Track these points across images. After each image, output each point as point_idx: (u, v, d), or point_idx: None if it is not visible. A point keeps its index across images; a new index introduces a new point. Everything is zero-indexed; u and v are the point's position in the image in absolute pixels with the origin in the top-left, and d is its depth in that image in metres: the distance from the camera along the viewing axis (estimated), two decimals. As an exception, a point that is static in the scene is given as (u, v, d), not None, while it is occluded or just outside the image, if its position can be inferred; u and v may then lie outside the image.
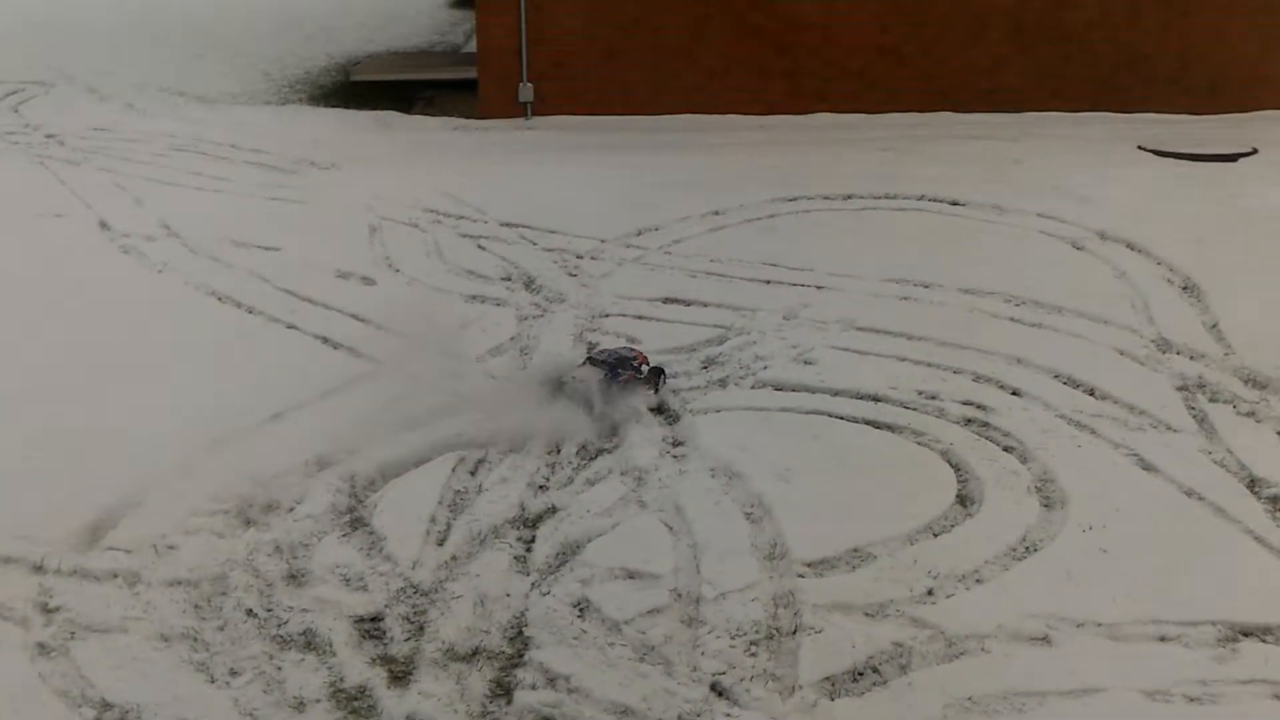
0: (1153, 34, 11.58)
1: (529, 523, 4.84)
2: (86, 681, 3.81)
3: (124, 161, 9.52)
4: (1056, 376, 5.88)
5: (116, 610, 4.14)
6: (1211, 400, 5.63)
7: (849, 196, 8.86)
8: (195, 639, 4.05)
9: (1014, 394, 5.72)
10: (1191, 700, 3.75)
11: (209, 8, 17.59)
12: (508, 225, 8.28)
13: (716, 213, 8.56)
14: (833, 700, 3.84)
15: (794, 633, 4.13)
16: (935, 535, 4.66)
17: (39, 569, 4.32)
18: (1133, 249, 7.60)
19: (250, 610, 4.21)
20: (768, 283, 7.21)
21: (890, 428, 5.47)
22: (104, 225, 7.93)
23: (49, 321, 6.42)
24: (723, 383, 5.96)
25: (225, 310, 6.71)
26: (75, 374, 5.78)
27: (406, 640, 4.12)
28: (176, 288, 6.99)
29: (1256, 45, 11.53)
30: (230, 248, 7.60)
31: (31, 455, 5.06)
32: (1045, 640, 4.04)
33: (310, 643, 4.08)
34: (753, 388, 5.92)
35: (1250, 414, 5.50)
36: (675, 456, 5.30)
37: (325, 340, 6.34)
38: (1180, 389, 5.74)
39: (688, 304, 6.94)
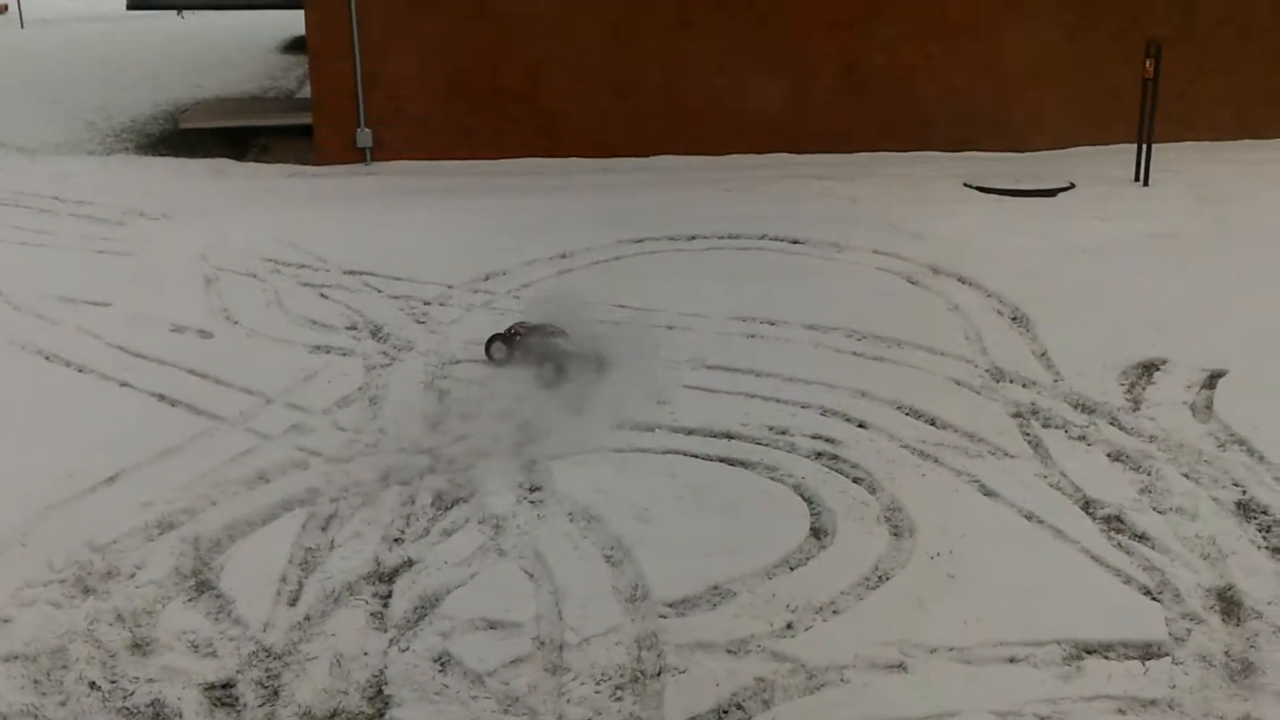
0: (972, 76, 12.14)
1: (385, 577, 4.74)
2: (-86, 774, 3.56)
3: (-62, 216, 9.05)
4: (899, 408, 6.08)
5: (-55, 693, 3.89)
6: (1044, 426, 5.90)
7: (693, 237, 9.01)
8: (36, 716, 3.83)
9: (860, 426, 5.89)
10: (1042, 719, 3.90)
11: (28, 56, 16.90)
12: (351, 273, 8.15)
13: (563, 255, 8.60)
14: (699, 740, 3.86)
15: (658, 674, 4.14)
16: (792, 569, 4.74)
17: None
18: (964, 282, 7.93)
19: (93, 683, 4.00)
20: (618, 324, 7.26)
21: (744, 464, 5.56)
22: (-83, 284, 7.51)
23: None
24: (579, 425, 5.96)
25: (54, 369, 6.42)
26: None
27: (261, 706, 3.98)
28: (1, 348, 6.65)
29: (1070, 85, 12.20)
30: (56, 304, 7.28)
31: None
32: (901, 667, 4.15)
33: (159, 714, 3.90)
34: (608, 429, 5.94)
35: (1081, 438, 5.78)
36: (533, 502, 5.28)
37: (162, 397, 6.12)
38: (1015, 416, 6.00)
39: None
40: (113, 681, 4.06)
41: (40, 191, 9.99)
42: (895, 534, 4.97)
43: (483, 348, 6.70)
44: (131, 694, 3.99)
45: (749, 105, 12.03)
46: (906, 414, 6.02)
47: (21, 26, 25.19)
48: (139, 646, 4.24)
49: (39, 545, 4.72)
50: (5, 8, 31.86)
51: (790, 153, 12.08)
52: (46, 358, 6.54)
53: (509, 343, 6.67)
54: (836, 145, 12.10)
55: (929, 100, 12.11)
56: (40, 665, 4.09)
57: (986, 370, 6.55)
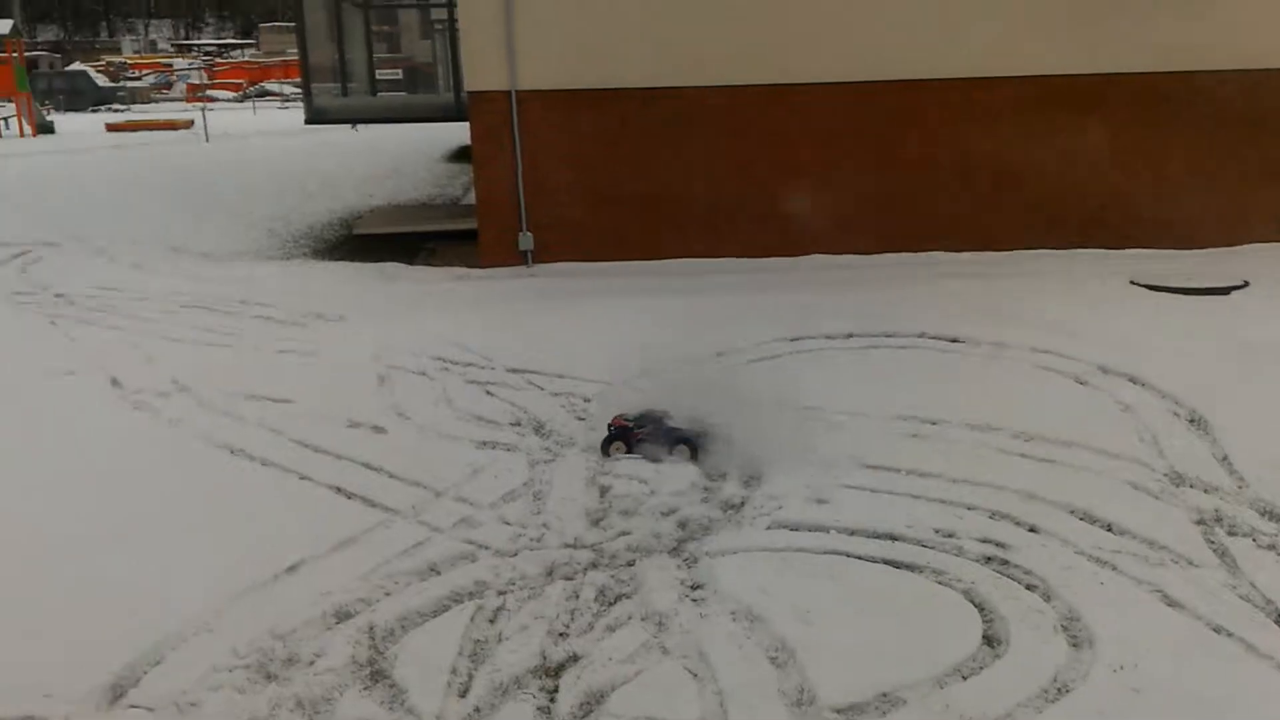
0: (1135, 171, 11.93)
1: (551, 671, 4.79)
2: None
3: (133, 319, 9.64)
4: (1072, 512, 5.90)
5: (139, 772, 4.06)
6: (1230, 534, 5.64)
7: (850, 335, 8.99)
8: (220, 800, 3.96)
9: (1031, 530, 5.73)
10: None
11: (213, 169, 18.03)
12: (514, 371, 8.37)
13: (719, 354, 8.67)
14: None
15: (826, 784, 4.06)
16: (964, 678, 4.61)
17: (59, 731, 4.25)
18: (1135, 382, 7.70)
19: (273, 770, 4.13)
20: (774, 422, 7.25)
21: (909, 567, 5.46)
22: (115, 382, 8.00)
23: (62, 481, 6.42)
24: (738, 524, 5.96)
25: (239, 463, 6.73)
26: (92, 532, 5.76)
27: (434, 798, 4.04)
28: (189, 443, 7.02)
29: (1235, 181, 11.88)
30: (242, 401, 7.66)
31: (51, 613, 5.01)
32: (1084, 786, 3.98)
33: (335, 803, 3.99)
34: (768, 528, 5.92)
35: (1270, 547, 5.51)
36: (695, 600, 5.27)
37: (339, 490, 6.35)
38: (1198, 522, 5.76)
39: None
40: (292, 768, 4.18)
41: (226, 295, 10.58)
42: (1074, 644, 4.79)
43: (599, 448, 6.89)
44: (310, 781, 4.09)
45: (900, 207, 12.05)
46: (1080, 518, 5.84)
47: (206, 140, 26.94)
48: (318, 733, 4.36)
49: (225, 632, 4.91)
50: (191, 123, 34.13)
51: (944, 251, 12.01)
52: (232, 452, 6.86)
53: (627, 439, 6.83)
54: (992, 243, 11.99)
55: (1089, 196, 11.93)
56: (226, 749, 4.23)
57: (1164, 474, 6.32)
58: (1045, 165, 11.96)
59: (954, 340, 8.78)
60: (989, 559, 5.49)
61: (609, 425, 6.87)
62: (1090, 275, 10.76)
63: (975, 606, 5.09)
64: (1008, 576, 5.32)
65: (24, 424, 7.17)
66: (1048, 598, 5.14)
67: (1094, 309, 9.45)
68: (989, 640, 4.85)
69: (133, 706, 4.41)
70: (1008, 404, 7.34)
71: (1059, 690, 4.50)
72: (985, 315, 9.39)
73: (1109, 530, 5.70)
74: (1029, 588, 5.23)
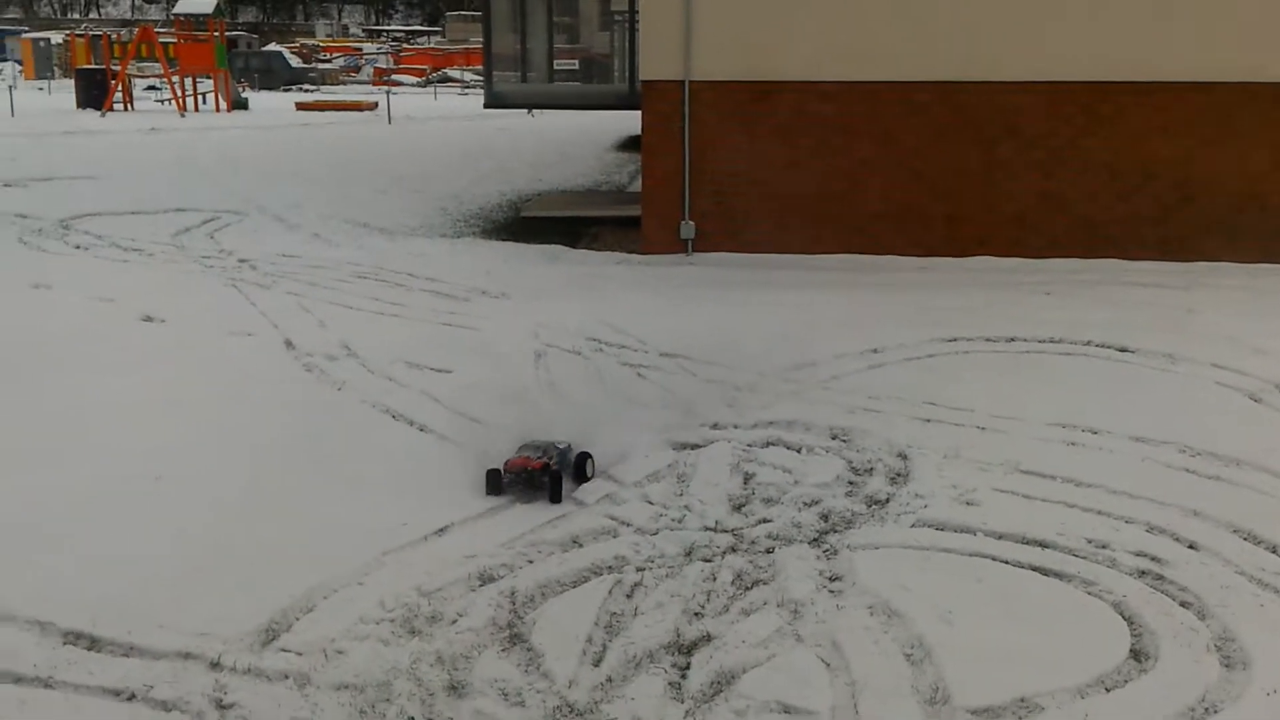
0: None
1: (684, 649, 4.83)
2: (257, 778, 3.92)
3: (310, 286, 10.08)
4: (1236, 531, 5.64)
5: (286, 710, 4.27)
6: None
7: (1011, 339, 8.77)
8: (360, 742, 4.14)
9: (1191, 547, 5.50)
10: None
11: (393, 149, 18.66)
12: (667, 355, 8.44)
13: (875, 350, 8.57)
14: (998, 847, 3.68)
15: (958, 782, 3.99)
16: (1108, 690, 4.47)
17: (216, 665, 4.50)
18: (1316, 403, 7.30)
19: (412, 718, 4.29)
20: (927, 421, 7.15)
21: (1058, 575, 5.31)
22: (289, 344, 8.38)
23: (236, 434, 6.78)
24: (881, 520, 5.90)
25: (398, 427, 6.98)
26: (256, 483, 6.06)
27: (563, 758, 4.14)
28: (354, 405, 7.31)
29: None
30: (405, 369, 7.93)
31: (213, 559, 5.30)
32: (1230, 809, 3.82)
33: (469, 754, 4.12)
34: (912, 526, 5.84)
35: None
36: (832, 591, 5.24)
37: (490, 457, 6.51)
38: (1372, 550, 5.44)
39: (847, 440, 6.92)
40: (429, 718, 4.33)
41: (397, 268, 10.96)
42: (1227, 665, 4.59)
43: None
44: (445, 732, 4.24)
45: (1074, 210, 11.66)
46: (1244, 539, 5.57)
47: (389, 122, 27.88)
48: (455, 689, 4.50)
49: (374, 586, 5.11)
50: (375, 105, 35.37)
51: (1118, 259, 11.58)
52: (393, 416, 7.12)
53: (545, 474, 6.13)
54: (1170, 254, 11.50)
55: (1275, 209, 11.32)
56: (367, 696, 4.41)
57: (1339, 499, 5.98)
58: (1230, 175, 11.41)
59: (1123, 349, 8.47)
60: (1143, 573, 5.29)
61: (514, 467, 6.16)
62: (1277, 292, 10.22)
63: (1125, 619, 4.92)
64: (1162, 592, 5.13)
65: (203, 380, 7.59)
66: (1203, 616, 4.93)
67: (1275, 325, 8.97)
68: (1136, 654, 4.68)
69: (283, 650, 4.64)
70: (1175, 417, 7.05)
71: (1206, 710, 4.31)
72: (1159, 325, 9.03)
73: (1274, 552, 5.43)
74: (1184, 605, 5.02)
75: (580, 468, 6.27)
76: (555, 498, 6.04)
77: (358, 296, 9.79)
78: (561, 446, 6.28)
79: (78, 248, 11.26)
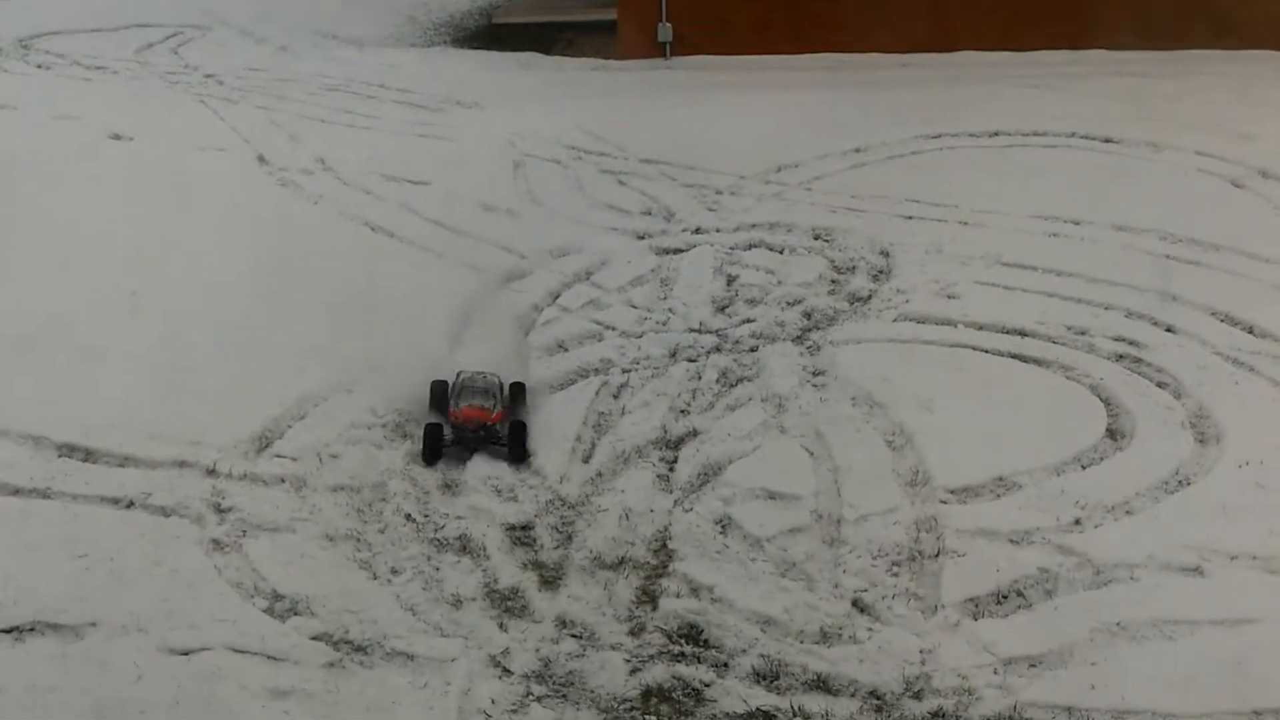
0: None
1: (671, 444, 4.93)
2: (258, 575, 4.05)
3: (279, 100, 9.82)
4: (1213, 314, 5.71)
5: (285, 512, 4.37)
6: (1381, 339, 5.40)
7: (995, 133, 8.66)
8: (358, 539, 4.25)
9: (1168, 330, 5.58)
10: (1352, 633, 3.66)
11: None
12: (647, 161, 8.33)
13: (857, 150, 8.46)
14: (976, 620, 3.86)
15: (936, 555, 4.15)
16: (1084, 467, 4.60)
17: (212, 473, 4.58)
18: (1297, 187, 7.28)
19: (409, 515, 4.41)
20: (909, 218, 7.13)
21: (1037, 361, 5.39)
22: (262, 160, 8.23)
23: (213, 250, 6.70)
24: (864, 316, 5.94)
25: (378, 239, 6.93)
26: (240, 299, 6.03)
27: (556, 548, 4.27)
28: (332, 218, 7.24)
29: None
30: (381, 181, 7.82)
31: (204, 372, 5.32)
32: (1198, 571, 3.98)
33: (465, 547, 4.25)
34: (894, 320, 5.89)
35: None
36: (815, 385, 5.32)
37: (473, 268, 6.50)
38: (1346, 327, 5.52)
39: (829, 239, 6.91)
40: (426, 515, 4.45)
41: (368, 79, 10.66)
42: (1200, 440, 4.72)
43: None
44: (442, 527, 4.36)
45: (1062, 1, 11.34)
46: (1221, 320, 5.65)
47: (350, -69, 26.66)
48: (449, 487, 4.61)
49: (364, 393, 5.16)
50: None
51: (1105, 49, 11.32)
52: (372, 229, 7.06)
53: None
54: (1157, 42, 11.24)
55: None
56: (363, 497, 4.52)
57: (1316, 279, 6.04)
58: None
59: (1107, 140, 8.37)
60: (1121, 357, 5.38)
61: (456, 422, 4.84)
62: (1264, 78, 10.05)
63: (1102, 401, 5.03)
64: (1139, 374, 5.22)
65: (176, 197, 7.46)
66: (1179, 395, 5.03)
67: (1264, 112, 8.86)
68: (1113, 433, 4.80)
69: (278, 456, 4.72)
70: (1157, 206, 7.03)
71: (1180, 483, 4.45)
72: (1143, 115, 8.90)
73: (1250, 332, 5.51)
74: (1160, 385, 5.12)
75: (517, 399, 5.09)
76: (520, 455, 4.76)
77: (329, 110, 9.55)
78: (494, 379, 5.03)
79: (39, 67, 10.91)
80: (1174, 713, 3.43)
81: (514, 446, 4.75)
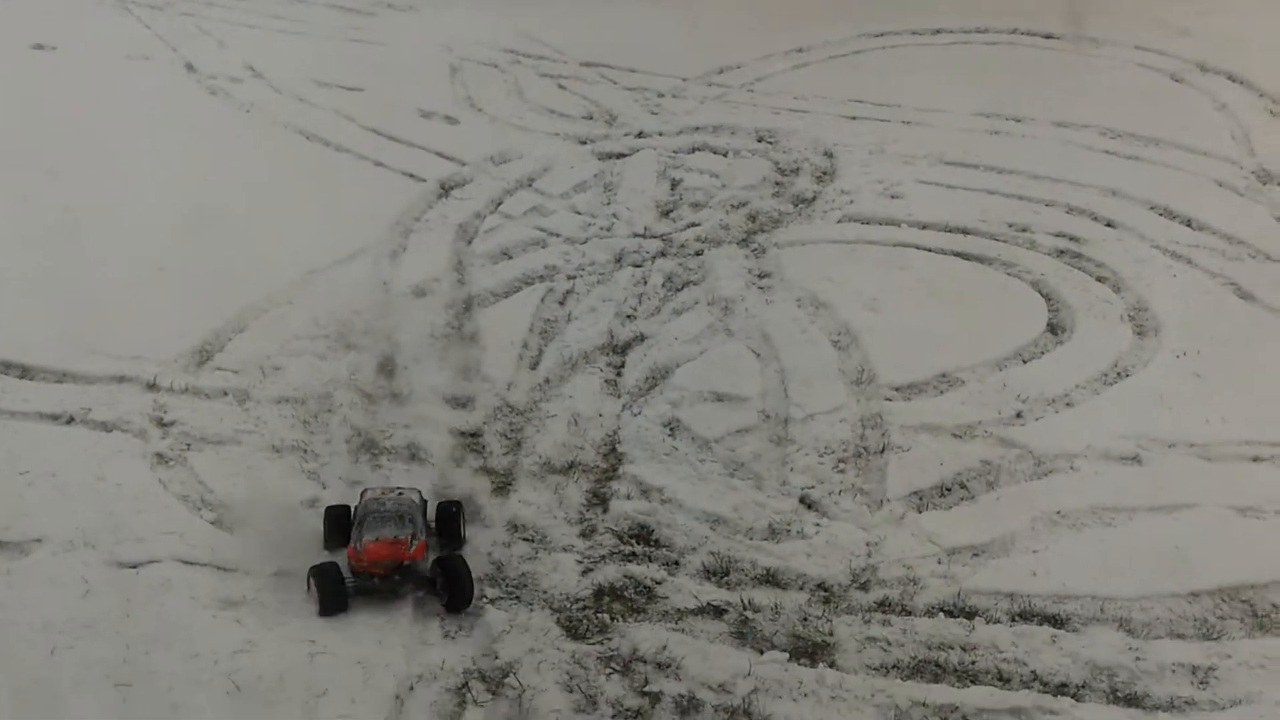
0: None
1: (618, 349, 4.93)
2: (205, 487, 4.01)
3: (206, 6, 9.50)
4: (1153, 208, 5.77)
5: (229, 424, 4.32)
6: (1314, 229, 5.50)
7: (938, 31, 8.60)
8: (305, 451, 4.22)
9: (1108, 225, 5.64)
10: (1283, 516, 3.78)
11: None
12: (587, 65, 8.19)
13: (800, 50, 8.37)
14: (920, 513, 3.92)
15: (882, 451, 4.20)
16: (1025, 361, 4.66)
17: (152, 387, 4.50)
18: (1234, 80, 7.32)
19: (355, 425, 4.37)
20: (853, 119, 7.09)
21: (979, 259, 5.43)
22: (190, 68, 7.98)
23: (144, 162, 6.52)
24: (808, 217, 5.93)
25: (313, 148, 6.78)
26: (174, 212, 5.87)
27: (505, 455, 4.26)
28: (265, 127, 7.06)
29: None
30: (314, 88, 7.62)
31: (140, 286, 5.20)
32: (1135, 460, 4.07)
33: (415, 455, 4.23)
34: (838, 222, 5.89)
35: (1355, 243, 5.37)
36: (761, 288, 5.33)
37: (412, 176, 6.39)
38: (1280, 219, 5.61)
39: (773, 141, 6.86)
40: (373, 425, 4.41)
41: (297, -17, 10.34)
42: (1139, 333, 4.80)
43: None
44: (390, 436, 4.33)
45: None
46: (1160, 214, 5.71)
47: None
48: (396, 396, 4.58)
49: (304, 304, 5.09)
50: None
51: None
52: (306, 137, 6.90)
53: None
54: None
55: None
56: (309, 408, 4.47)
57: (1252, 172, 6.12)
58: None
59: (1048, 36, 8.35)
60: (1062, 252, 5.43)
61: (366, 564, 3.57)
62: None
63: (1043, 296, 5.08)
64: (1080, 269, 5.28)
65: (107, 107, 7.23)
66: (1118, 289, 5.10)
67: (1203, 7, 8.87)
68: (1053, 328, 4.86)
69: (219, 369, 4.65)
70: (1098, 101, 7.06)
71: (1119, 374, 4.53)
72: (1085, 9, 8.87)
73: (1188, 225, 5.59)
74: (1100, 280, 5.19)
75: (450, 524, 3.81)
76: (460, 602, 3.54)
77: (256, 15, 9.25)
78: (411, 497, 3.80)
79: (-50, -23, 10.48)
80: (1113, 596, 3.52)
81: (452, 592, 3.53)
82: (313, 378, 4.63)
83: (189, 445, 4.20)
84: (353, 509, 3.76)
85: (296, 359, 4.73)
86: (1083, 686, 3.24)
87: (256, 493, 3.95)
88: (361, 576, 3.53)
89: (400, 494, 3.77)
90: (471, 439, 4.34)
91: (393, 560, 3.53)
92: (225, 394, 4.48)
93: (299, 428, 4.35)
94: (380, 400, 4.53)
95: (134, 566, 3.61)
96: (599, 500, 4.04)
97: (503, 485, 4.11)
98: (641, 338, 5.00)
